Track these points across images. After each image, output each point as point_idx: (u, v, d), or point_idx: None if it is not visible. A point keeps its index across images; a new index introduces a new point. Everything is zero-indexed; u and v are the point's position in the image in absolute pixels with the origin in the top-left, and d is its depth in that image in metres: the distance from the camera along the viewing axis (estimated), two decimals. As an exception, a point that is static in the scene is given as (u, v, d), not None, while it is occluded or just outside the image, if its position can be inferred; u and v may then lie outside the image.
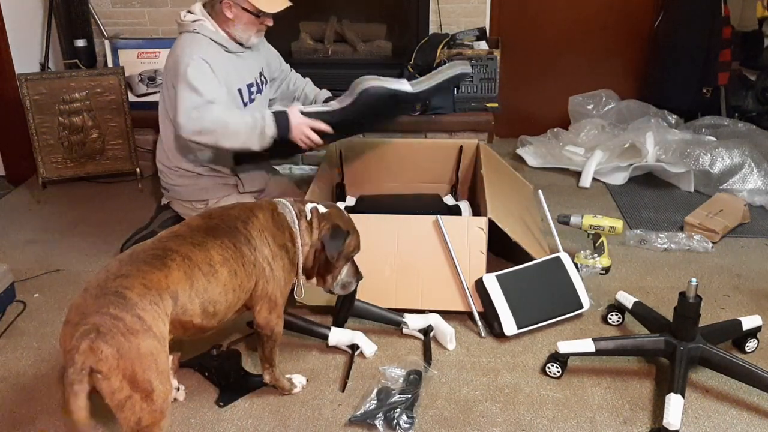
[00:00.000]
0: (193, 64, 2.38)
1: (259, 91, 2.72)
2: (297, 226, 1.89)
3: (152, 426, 1.45)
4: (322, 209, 1.96)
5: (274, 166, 3.03)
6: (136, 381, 1.40)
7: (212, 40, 2.50)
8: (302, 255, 1.91)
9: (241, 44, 2.56)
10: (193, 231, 1.71)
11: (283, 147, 2.45)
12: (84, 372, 1.35)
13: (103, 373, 1.37)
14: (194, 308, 1.60)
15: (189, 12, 2.53)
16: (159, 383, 1.45)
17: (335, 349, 2.19)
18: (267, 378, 1.96)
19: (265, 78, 2.78)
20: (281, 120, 2.37)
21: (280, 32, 2.84)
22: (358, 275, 2.07)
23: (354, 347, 2.16)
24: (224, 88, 2.45)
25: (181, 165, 2.64)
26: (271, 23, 2.55)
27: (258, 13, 2.47)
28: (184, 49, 2.45)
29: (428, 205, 2.74)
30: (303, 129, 2.40)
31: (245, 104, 2.60)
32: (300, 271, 1.92)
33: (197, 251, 1.64)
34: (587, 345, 2.04)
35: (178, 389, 1.98)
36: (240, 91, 2.58)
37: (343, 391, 2.01)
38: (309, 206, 1.95)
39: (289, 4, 2.51)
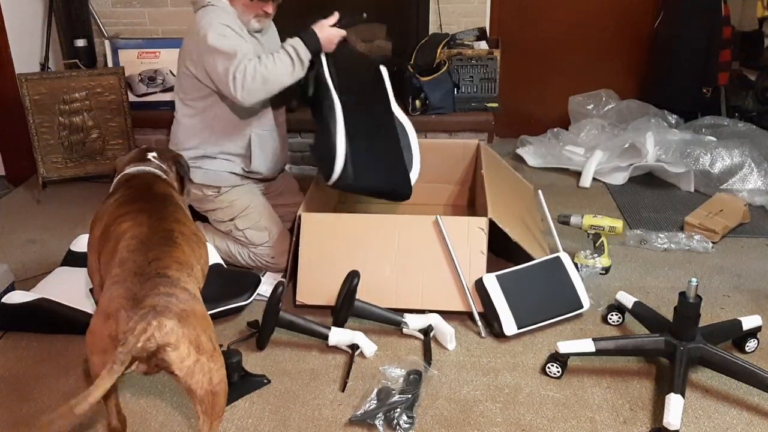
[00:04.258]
0: (211, 30, 2.37)
1: None
2: (171, 179, 2.04)
3: (221, 382, 1.53)
4: (155, 154, 2.07)
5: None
6: (200, 344, 1.48)
7: (227, 12, 2.48)
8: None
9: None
10: (158, 213, 1.79)
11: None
12: (129, 355, 1.39)
13: (173, 344, 1.43)
14: (200, 275, 1.73)
15: None
16: (216, 341, 1.55)
17: (335, 349, 2.20)
18: None
19: None
20: (310, 40, 2.41)
21: (280, 32, 2.83)
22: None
23: (354, 347, 2.16)
24: (248, 43, 2.45)
25: (195, 146, 2.59)
26: (270, 10, 2.52)
27: None
28: (200, 22, 2.43)
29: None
30: (334, 37, 2.46)
31: None
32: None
33: (182, 226, 1.77)
34: (587, 345, 2.05)
35: None
36: None
37: (343, 391, 2.01)
38: (153, 160, 2.05)
39: None
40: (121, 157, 2.12)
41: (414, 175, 2.60)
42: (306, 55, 2.38)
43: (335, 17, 2.48)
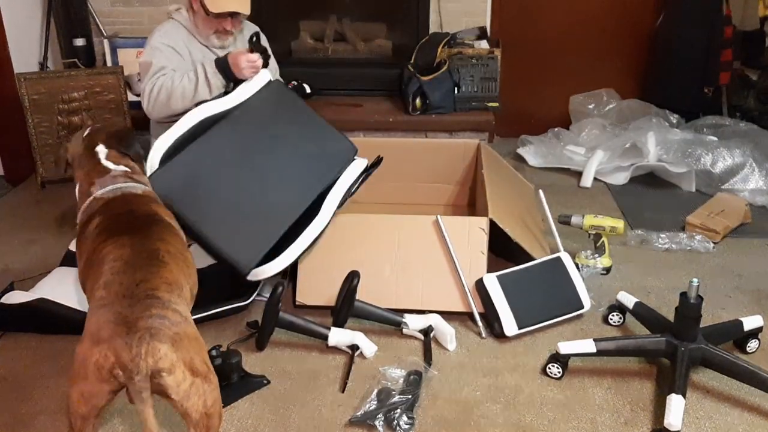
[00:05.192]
0: (146, 50, 2.40)
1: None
2: (144, 182, 1.92)
3: (215, 404, 1.50)
4: (104, 150, 1.93)
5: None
6: (194, 366, 1.45)
7: (185, 26, 2.51)
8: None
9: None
10: (141, 232, 1.70)
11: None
12: (148, 378, 1.37)
13: (167, 369, 1.40)
14: (188, 295, 1.66)
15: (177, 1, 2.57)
16: (207, 363, 1.52)
17: (335, 349, 2.19)
18: None
19: None
20: (219, 61, 2.35)
21: (281, 32, 2.83)
22: None
23: (354, 347, 2.15)
24: (178, 57, 2.43)
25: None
26: (229, 26, 2.50)
27: (208, 12, 2.44)
28: (152, 34, 2.48)
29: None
30: (239, 60, 2.35)
31: None
32: None
33: (167, 245, 1.69)
34: (588, 345, 2.04)
35: None
36: None
37: (343, 391, 2.00)
38: (108, 164, 1.90)
39: (239, 8, 2.45)
40: (68, 145, 1.98)
41: (276, 265, 2.16)
42: (214, 76, 2.33)
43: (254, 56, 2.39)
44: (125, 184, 1.86)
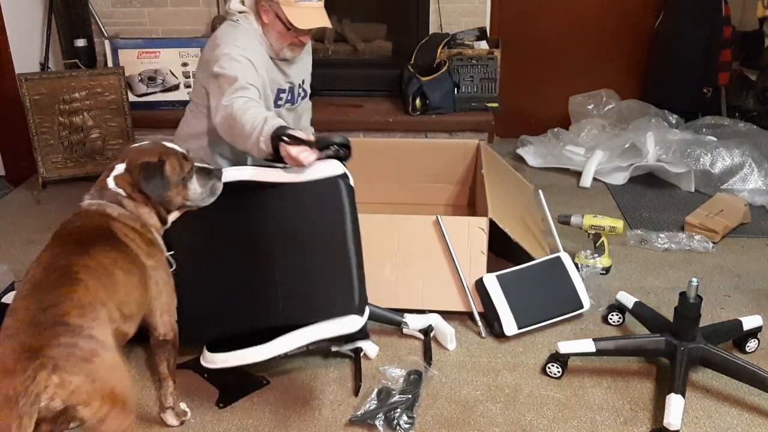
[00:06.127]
0: (224, 55, 2.18)
1: (291, 101, 2.51)
2: (130, 209, 1.73)
3: (129, 428, 1.45)
4: (120, 168, 1.74)
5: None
6: (114, 396, 1.39)
7: (251, 34, 2.33)
8: (154, 226, 1.78)
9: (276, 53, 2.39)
10: (64, 246, 1.59)
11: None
12: (36, 405, 1.28)
13: (83, 401, 1.34)
14: (114, 314, 1.54)
15: (239, 1, 2.36)
16: (129, 389, 1.46)
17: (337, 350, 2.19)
18: (171, 401, 1.87)
19: (304, 90, 2.58)
20: (278, 132, 1.98)
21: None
22: (213, 172, 1.89)
23: (358, 350, 2.15)
24: (255, 73, 2.23)
25: (194, 149, 2.29)
26: (307, 40, 2.38)
27: (289, 27, 2.29)
28: (223, 38, 2.26)
29: None
30: (280, 149, 1.99)
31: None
32: (161, 243, 1.80)
33: (87, 259, 1.55)
34: (588, 345, 2.04)
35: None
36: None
37: (357, 395, 2.00)
38: (110, 182, 1.73)
39: (325, 23, 2.31)
40: (128, 149, 1.84)
41: (216, 359, 1.89)
42: (265, 143, 1.98)
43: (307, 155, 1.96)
44: (106, 203, 1.71)
